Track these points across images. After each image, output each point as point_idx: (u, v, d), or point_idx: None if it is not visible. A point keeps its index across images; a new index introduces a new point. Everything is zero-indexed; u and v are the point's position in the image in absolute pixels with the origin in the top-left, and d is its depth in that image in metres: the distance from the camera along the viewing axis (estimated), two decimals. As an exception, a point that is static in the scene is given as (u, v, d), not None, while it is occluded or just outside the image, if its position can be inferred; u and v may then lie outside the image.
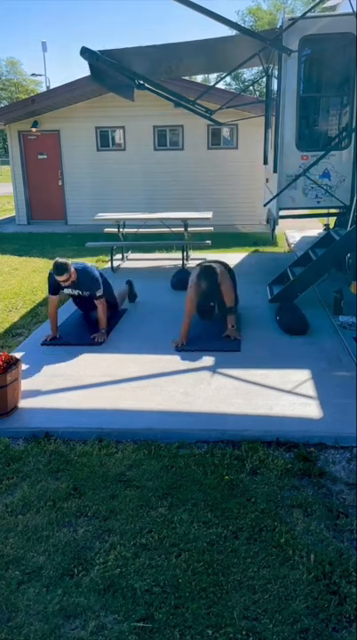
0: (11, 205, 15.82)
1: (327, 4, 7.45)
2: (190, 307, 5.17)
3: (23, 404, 4.05)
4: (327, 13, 7.36)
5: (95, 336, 5.24)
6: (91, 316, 5.62)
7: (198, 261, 5.91)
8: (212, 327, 5.42)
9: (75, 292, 5.36)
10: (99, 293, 5.22)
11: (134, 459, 3.37)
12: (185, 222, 8.56)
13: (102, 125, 13.12)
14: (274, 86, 6.96)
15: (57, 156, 13.60)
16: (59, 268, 4.97)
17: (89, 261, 9.23)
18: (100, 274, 5.41)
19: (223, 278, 5.25)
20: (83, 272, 5.19)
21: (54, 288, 5.23)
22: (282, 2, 41.71)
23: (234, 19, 34.90)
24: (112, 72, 6.92)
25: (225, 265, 5.56)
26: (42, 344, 5.22)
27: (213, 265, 5.31)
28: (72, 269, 5.04)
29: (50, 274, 5.19)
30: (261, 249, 10.21)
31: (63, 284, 5.12)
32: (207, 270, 5.18)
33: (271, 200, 6.53)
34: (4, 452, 3.50)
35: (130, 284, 6.51)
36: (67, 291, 5.32)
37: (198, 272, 5.22)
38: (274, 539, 2.68)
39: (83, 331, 5.53)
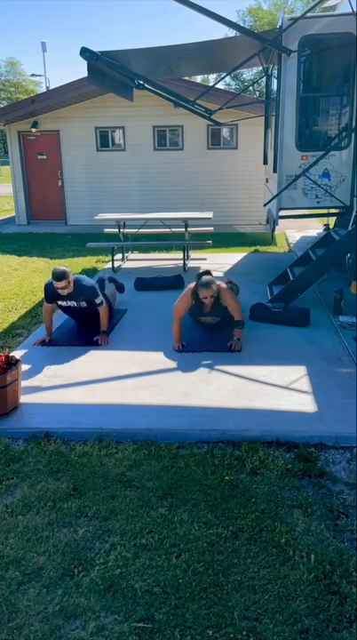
0: (11, 206, 15.83)
1: (327, 4, 7.43)
2: (177, 315, 5.05)
3: (23, 403, 4.05)
4: (327, 13, 7.35)
5: (98, 339, 5.22)
6: (84, 327, 5.52)
7: (202, 268, 5.75)
8: (212, 327, 5.41)
9: (71, 304, 5.26)
10: (98, 301, 5.18)
11: (134, 459, 3.37)
12: (185, 222, 8.56)
13: (102, 125, 13.11)
14: (274, 86, 6.97)
15: (56, 157, 13.60)
16: (59, 275, 4.92)
17: (89, 261, 9.31)
18: (96, 280, 5.36)
19: (225, 297, 5.05)
20: (79, 282, 5.15)
21: (50, 297, 5.19)
22: (283, 2, 41.75)
23: (234, 18, 35.00)
24: (111, 72, 6.92)
25: (228, 282, 5.33)
26: (34, 344, 5.20)
27: (213, 281, 5.04)
28: (71, 277, 5.03)
29: (46, 285, 5.18)
30: (261, 249, 10.21)
31: (61, 292, 5.05)
32: (208, 283, 4.93)
33: (271, 200, 6.53)
34: (4, 452, 3.50)
35: (111, 279, 6.18)
36: (62, 303, 5.25)
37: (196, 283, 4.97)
38: (275, 539, 2.68)
39: (82, 331, 5.53)
